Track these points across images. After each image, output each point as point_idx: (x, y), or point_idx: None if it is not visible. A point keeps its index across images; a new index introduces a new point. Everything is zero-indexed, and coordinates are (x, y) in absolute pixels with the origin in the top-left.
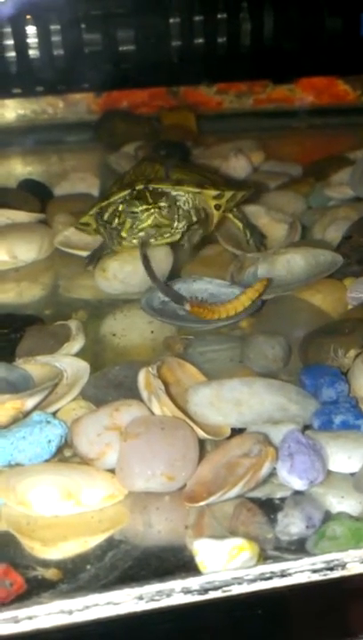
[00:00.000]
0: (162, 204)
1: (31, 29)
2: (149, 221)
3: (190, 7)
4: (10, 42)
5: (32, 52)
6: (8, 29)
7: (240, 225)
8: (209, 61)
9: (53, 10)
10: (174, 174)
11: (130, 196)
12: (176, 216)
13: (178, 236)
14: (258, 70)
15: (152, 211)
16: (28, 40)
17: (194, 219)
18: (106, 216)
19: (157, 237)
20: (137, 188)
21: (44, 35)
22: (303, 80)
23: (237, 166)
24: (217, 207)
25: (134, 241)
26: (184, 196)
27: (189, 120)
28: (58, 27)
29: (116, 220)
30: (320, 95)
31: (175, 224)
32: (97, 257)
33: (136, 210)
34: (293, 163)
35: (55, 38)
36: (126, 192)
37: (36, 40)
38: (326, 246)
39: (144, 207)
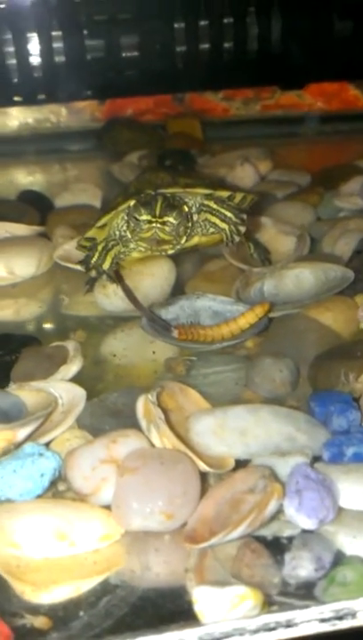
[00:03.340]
0: (170, 219)
1: (33, 36)
2: (149, 234)
3: (196, 12)
4: (11, 49)
5: (33, 59)
6: (9, 36)
7: (243, 238)
8: (215, 67)
9: (55, 16)
10: (182, 179)
11: (139, 200)
12: (181, 231)
13: (185, 247)
14: (265, 76)
15: (153, 225)
16: (30, 47)
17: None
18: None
19: (160, 250)
20: (149, 192)
21: (45, 41)
22: (312, 85)
23: (244, 175)
24: None
25: (134, 253)
26: (192, 199)
27: (195, 128)
28: (60, 33)
29: (119, 233)
30: (330, 101)
31: (183, 240)
32: (94, 281)
33: (139, 217)
34: (301, 171)
35: (57, 45)
36: (137, 197)
37: (37, 47)
38: (336, 261)
39: (146, 218)
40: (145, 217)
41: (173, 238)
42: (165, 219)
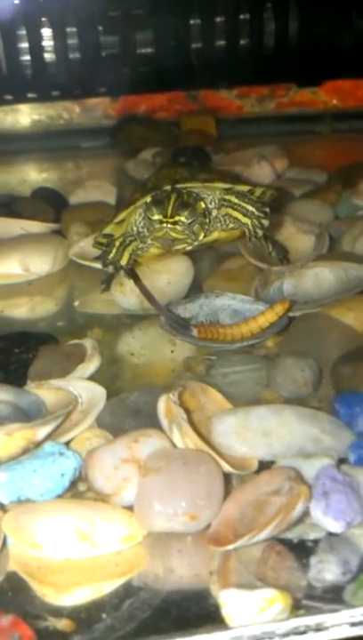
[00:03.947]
0: (181, 218)
1: (47, 32)
2: (161, 234)
3: (212, 8)
4: (25, 45)
5: (47, 56)
6: (23, 32)
7: (267, 232)
8: (231, 64)
9: (69, 11)
10: (200, 174)
11: (153, 197)
12: (196, 229)
13: (203, 242)
14: (282, 73)
15: (164, 225)
16: (44, 43)
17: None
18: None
19: (176, 249)
20: (164, 188)
21: (59, 37)
22: (327, 83)
23: (261, 173)
24: None
25: (152, 249)
26: (211, 195)
27: (209, 125)
28: (74, 29)
29: (136, 229)
30: (345, 98)
31: (200, 236)
32: (110, 279)
33: (151, 217)
34: (317, 169)
35: (71, 41)
36: (152, 194)
37: (51, 43)
38: (356, 259)
39: (158, 217)
40: (156, 217)
41: (187, 237)
42: (177, 218)
